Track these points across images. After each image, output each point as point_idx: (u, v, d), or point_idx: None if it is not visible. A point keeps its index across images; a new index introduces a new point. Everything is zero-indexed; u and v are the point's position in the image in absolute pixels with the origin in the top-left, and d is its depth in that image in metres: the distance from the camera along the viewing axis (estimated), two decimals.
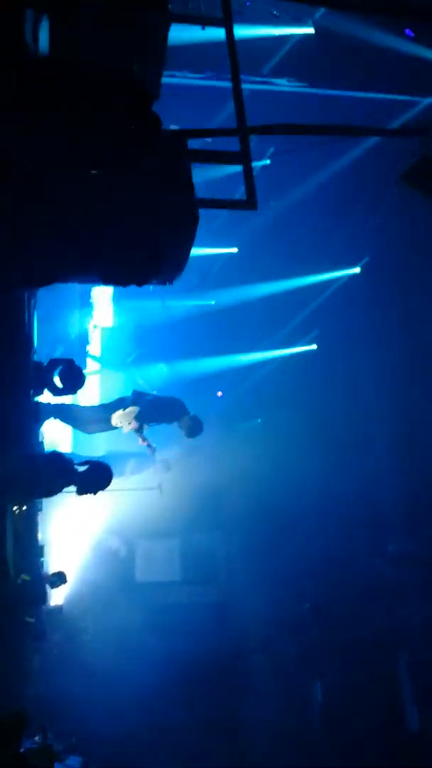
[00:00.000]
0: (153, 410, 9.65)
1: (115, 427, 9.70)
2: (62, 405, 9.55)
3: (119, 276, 4.58)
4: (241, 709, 12.86)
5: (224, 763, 12.31)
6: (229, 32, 5.11)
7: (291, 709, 13.10)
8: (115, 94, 3.84)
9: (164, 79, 5.45)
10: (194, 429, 10.07)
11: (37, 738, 7.14)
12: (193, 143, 4.85)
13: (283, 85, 10.36)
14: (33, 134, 3.69)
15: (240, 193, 5.10)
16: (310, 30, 9.61)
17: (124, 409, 9.49)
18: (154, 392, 10.42)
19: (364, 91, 10.58)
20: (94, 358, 13.57)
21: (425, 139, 6.19)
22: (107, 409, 9.79)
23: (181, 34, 8.37)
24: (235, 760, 12.40)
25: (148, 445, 10.01)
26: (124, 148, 3.82)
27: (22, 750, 5.49)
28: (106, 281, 4.62)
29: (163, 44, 5.07)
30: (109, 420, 9.60)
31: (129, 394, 10.13)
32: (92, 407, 10.49)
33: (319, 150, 9.78)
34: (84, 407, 10.63)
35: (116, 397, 10.35)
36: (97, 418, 9.97)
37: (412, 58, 9.98)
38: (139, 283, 4.57)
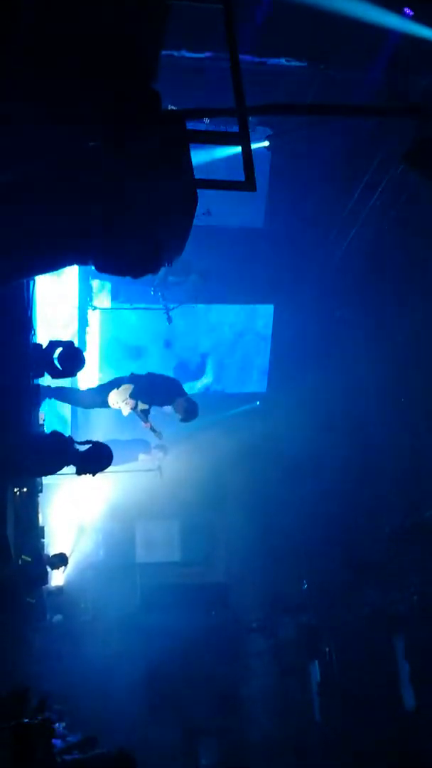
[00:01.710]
0: (149, 388, 9.65)
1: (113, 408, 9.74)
2: (61, 388, 9.57)
3: (115, 268, 4.54)
4: (240, 688, 13.01)
5: (223, 740, 12.49)
6: (228, 9, 5.04)
7: (289, 687, 13.26)
8: (115, 67, 3.81)
9: (162, 58, 5.41)
10: (189, 412, 10.06)
11: (38, 715, 7.25)
12: (191, 123, 4.82)
13: (282, 64, 10.28)
14: (28, 104, 3.65)
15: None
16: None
17: (118, 388, 9.52)
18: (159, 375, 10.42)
19: (363, 70, 10.51)
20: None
21: (425, 119, 6.15)
22: (104, 389, 9.82)
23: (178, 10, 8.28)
24: (234, 737, 12.57)
25: (152, 429, 10.04)
26: (122, 123, 3.79)
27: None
28: (102, 271, 4.58)
29: (163, 20, 5.02)
30: (106, 401, 9.62)
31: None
32: (89, 389, 10.51)
33: (318, 129, 9.74)
34: (82, 390, 10.66)
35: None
36: (95, 400, 10.00)
37: (412, 36, 9.90)
38: (135, 276, 4.54)
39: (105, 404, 9.69)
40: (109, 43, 4.06)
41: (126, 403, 9.43)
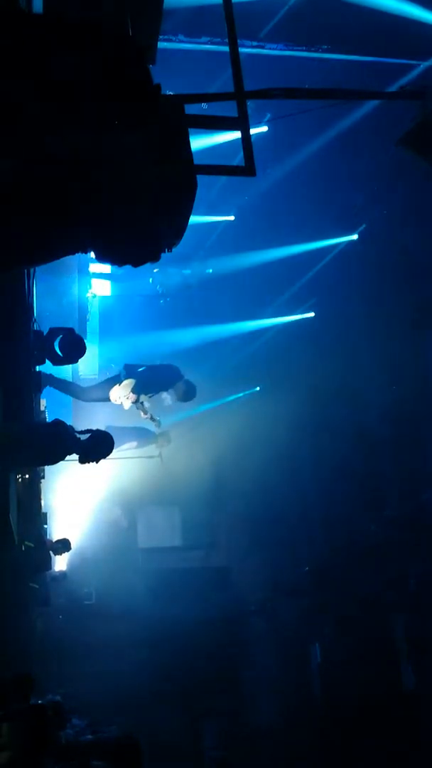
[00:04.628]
0: (149, 379, 9.70)
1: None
2: (62, 380, 9.61)
3: (115, 256, 4.53)
4: (242, 670, 13.14)
5: (226, 721, 12.63)
6: None
7: (290, 669, 13.39)
8: (111, 52, 3.78)
9: (159, 44, 5.40)
10: (187, 393, 10.12)
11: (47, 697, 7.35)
12: (190, 108, 4.80)
13: (280, 49, 10.22)
14: (24, 93, 3.64)
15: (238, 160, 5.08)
16: None
17: (119, 384, 9.54)
18: (157, 363, 10.46)
19: (362, 54, 10.44)
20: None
21: (424, 102, 6.12)
22: (104, 386, 9.84)
23: None
24: (237, 718, 12.71)
25: (152, 418, 10.11)
26: (121, 109, 3.77)
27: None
28: (101, 260, 4.58)
29: (159, 6, 5.00)
30: (107, 397, 9.66)
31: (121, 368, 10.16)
32: (89, 387, 10.56)
33: (316, 115, 9.67)
34: (81, 387, 10.70)
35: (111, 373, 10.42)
36: (96, 396, 10.04)
37: (411, 20, 9.84)
38: (135, 264, 4.53)
39: (106, 400, 9.74)
40: (106, 27, 4.04)
41: (128, 398, 9.48)
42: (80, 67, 3.82)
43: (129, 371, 9.76)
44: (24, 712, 4.14)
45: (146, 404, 9.93)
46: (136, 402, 9.66)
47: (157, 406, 10.68)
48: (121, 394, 9.48)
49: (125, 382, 9.50)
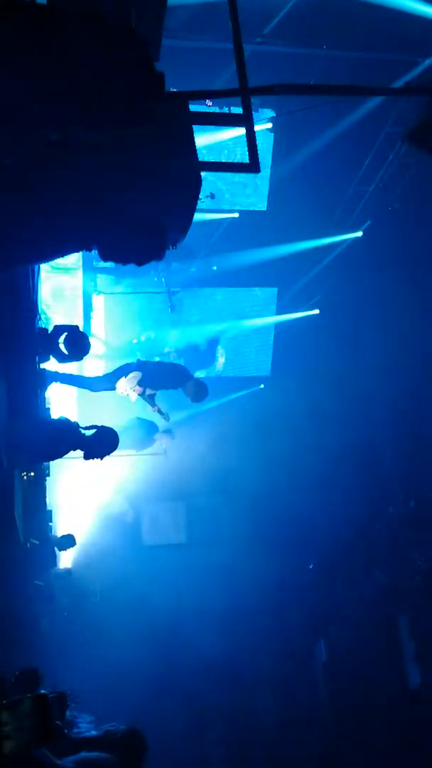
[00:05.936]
0: (156, 375, 9.72)
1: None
2: (67, 374, 9.62)
3: (119, 255, 4.52)
4: (246, 668, 13.14)
5: (229, 718, 12.64)
6: None
7: (295, 667, 13.39)
8: (116, 49, 3.77)
9: (163, 41, 5.38)
10: (199, 393, 10.17)
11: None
12: (194, 106, 4.80)
13: (285, 45, 10.19)
14: (28, 86, 3.63)
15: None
16: None
17: (126, 377, 9.57)
18: (157, 358, 10.50)
19: (366, 51, 10.40)
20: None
21: (430, 98, 6.09)
22: (112, 377, 9.86)
23: None
24: (241, 716, 12.72)
25: (159, 411, 10.15)
26: (124, 104, 3.76)
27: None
28: (105, 259, 4.57)
29: (163, 2, 4.99)
30: (113, 387, 9.68)
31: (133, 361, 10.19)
32: (97, 377, 10.57)
33: (320, 112, 9.66)
34: (89, 378, 10.72)
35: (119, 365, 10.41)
36: (103, 386, 10.06)
37: (417, 16, 9.80)
38: (140, 263, 4.52)
39: (112, 390, 9.77)
40: (109, 19, 4.02)
41: (134, 390, 9.50)
42: (82, 60, 3.81)
43: (140, 365, 9.80)
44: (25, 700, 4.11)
45: (154, 398, 9.98)
46: (142, 394, 9.69)
47: (167, 401, 10.71)
48: (127, 386, 9.51)
49: (131, 374, 9.54)
